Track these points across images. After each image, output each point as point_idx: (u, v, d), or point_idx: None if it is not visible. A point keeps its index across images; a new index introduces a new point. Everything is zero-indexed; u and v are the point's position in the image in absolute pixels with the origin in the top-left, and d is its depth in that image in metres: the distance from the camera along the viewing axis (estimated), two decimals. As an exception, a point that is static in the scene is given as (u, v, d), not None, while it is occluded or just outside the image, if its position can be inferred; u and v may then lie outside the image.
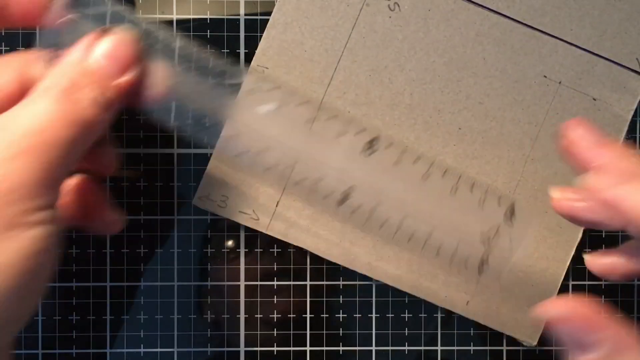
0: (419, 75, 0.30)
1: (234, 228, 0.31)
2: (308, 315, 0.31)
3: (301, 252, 0.31)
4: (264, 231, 0.30)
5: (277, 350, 0.31)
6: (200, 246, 0.31)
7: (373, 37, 0.30)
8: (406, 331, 0.31)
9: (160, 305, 0.31)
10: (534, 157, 0.30)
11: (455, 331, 0.31)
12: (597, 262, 0.23)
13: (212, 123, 0.25)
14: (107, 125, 0.23)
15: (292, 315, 0.31)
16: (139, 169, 0.30)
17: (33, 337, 0.31)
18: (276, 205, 0.30)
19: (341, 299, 0.31)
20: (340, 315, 0.31)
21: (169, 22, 0.30)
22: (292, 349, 0.31)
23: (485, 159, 0.30)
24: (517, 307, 0.30)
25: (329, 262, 0.30)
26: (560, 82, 0.30)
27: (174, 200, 0.31)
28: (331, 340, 0.31)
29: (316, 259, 0.31)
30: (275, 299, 0.31)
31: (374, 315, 0.31)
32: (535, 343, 0.30)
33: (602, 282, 0.31)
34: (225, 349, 0.31)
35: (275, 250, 0.31)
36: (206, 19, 0.31)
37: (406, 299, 0.31)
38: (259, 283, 0.31)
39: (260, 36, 0.30)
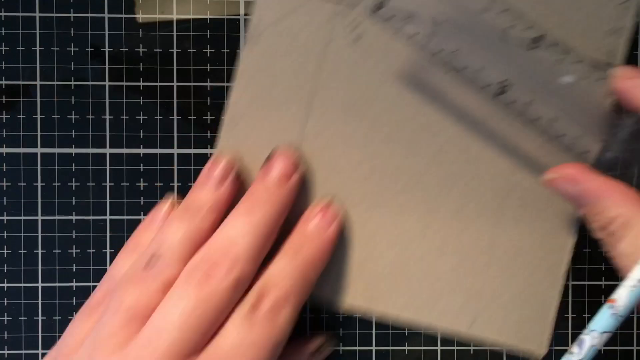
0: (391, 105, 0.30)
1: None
2: (308, 315, 0.31)
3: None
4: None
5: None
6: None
7: (341, 71, 0.29)
8: (406, 331, 0.31)
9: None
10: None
11: (455, 331, 0.31)
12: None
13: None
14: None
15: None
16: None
17: (33, 337, 0.31)
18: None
19: (341, 299, 0.31)
20: (340, 316, 0.31)
21: (169, 22, 0.30)
22: (292, 349, 0.31)
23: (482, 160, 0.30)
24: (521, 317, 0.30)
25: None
26: None
27: (174, 200, 0.31)
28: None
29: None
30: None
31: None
32: (544, 351, 0.30)
33: (602, 282, 0.31)
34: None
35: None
36: (206, 19, 0.31)
37: (406, 299, 0.31)
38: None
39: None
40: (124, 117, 0.31)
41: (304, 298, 0.26)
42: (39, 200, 0.31)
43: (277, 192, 0.27)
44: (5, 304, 0.31)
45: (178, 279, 0.25)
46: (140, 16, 0.30)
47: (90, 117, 0.31)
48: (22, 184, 0.31)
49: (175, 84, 0.31)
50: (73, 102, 0.31)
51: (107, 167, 0.31)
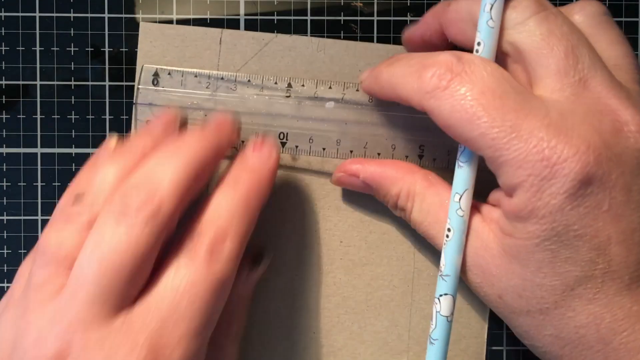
0: (285, 204, 0.30)
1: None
2: (308, 316, 0.31)
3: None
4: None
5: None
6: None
7: None
8: (406, 333, 0.31)
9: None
10: (419, 246, 0.30)
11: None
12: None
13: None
14: None
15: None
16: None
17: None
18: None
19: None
20: (340, 316, 0.31)
21: (169, 22, 0.30)
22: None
23: (375, 263, 0.30)
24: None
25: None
26: None
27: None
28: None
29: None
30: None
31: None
32: None
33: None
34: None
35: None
36: (206, 19, 0.31)
37: (406, 299, 0.31)
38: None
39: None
40: (124, 117, 0.31)
41: (248, 229, 0.25)
42: (39, 200, 0.31)
43: (209, 131, 0.26)
44: (5, 304, 0.31)
45: (99, 214, 0.23)
46: (140, 16, 0.30)
47: (90, 117, 0.31)
48: (22, 184, 0.31)
49: (175, 84, 0.31)
50: (73, 102, 0.31)
51: (107, 167, 0.31)
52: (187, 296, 0.22)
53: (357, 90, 0.29)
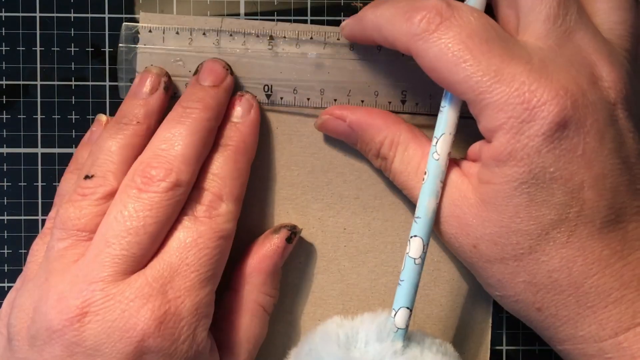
0: (288, 192, 0.30)
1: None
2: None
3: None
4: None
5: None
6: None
7: None
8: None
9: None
10: None
11: (455, 330, 0.31)
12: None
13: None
14: None
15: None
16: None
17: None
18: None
19: (341, 298, 0.31)
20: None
21: (169, 22, 0.30)
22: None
23: (379, 250, 0.30)
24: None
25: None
26: None
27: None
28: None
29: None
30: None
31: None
32: None
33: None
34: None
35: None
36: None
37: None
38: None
39: (260, 36, 0.30)
40: (124, 117, 0.30)
41: (240, 185, 0.28)
42: (39, 200, 0.31)
43: (209, 95, 0.27)
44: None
45: (120, 188, 0.26)
46: (136, 16, 0.30)
47: (90, 117, 0.31)
48: (22, 184, 0.31)
49: (175, 83, 0.31)
50: (73, 102, 0.31)
51: (108, 167, 0.31)
52: (194, 250, 0.25)
53: (338, 39, 0.29)
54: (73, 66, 0.31)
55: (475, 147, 0.25)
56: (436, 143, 0.25)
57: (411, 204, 0.30)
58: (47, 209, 0.30)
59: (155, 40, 0.29)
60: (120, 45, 0.29)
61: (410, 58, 0.25)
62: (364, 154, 0.29)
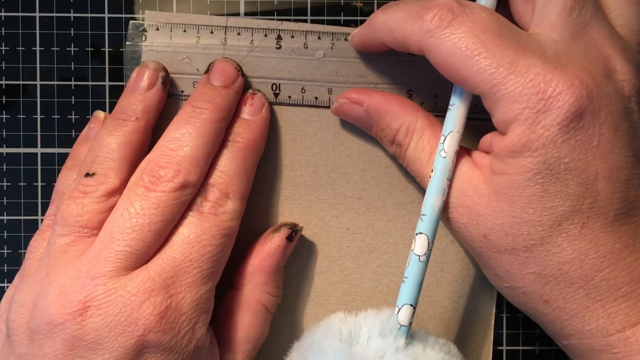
0: (292, 192, 0.30)
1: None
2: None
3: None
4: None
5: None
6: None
7: None
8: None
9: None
10: None
11: (455, 330, 0.31)
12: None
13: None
14: None
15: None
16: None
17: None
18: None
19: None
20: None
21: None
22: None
23: (382, 250, 0.30)
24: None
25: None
26: None
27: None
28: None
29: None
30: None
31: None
32: None
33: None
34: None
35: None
36: (206, 18, 0.31)
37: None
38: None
39: (260, 36, 0.30)
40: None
41: (247, 184, 0.28)
42: (39, 200, 0.31)
43: (220, 96, 0.27)
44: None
45: (127, 186, 0.26)
46: (140, 16, 0.30)
47: (90, 117, 0.31)
48: (22, 184, 0.31)
49: (175, 83, 0.31)
50: (73, 102, 0.31)
51: (107, 167, 0.31)
52: (198, 247, 0.25)
53: (346, 39, 0.29)
54: (73, 66, 0.31)
55: (486, 140, 0.25)
56: (444, 141, 0.26)
57: (415, 206, 0.30)
58: (46, 209, 0.30)
59: (162, 38, 0.29)
60: (127, 43, 0.29)
61: (416, 58, 0.25)
62: (378, 139, 0.29)
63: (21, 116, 0.31)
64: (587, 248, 0.23)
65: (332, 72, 0.29)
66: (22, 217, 0.31)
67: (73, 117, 0.31)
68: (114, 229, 0.25)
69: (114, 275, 0.24)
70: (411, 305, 0.25)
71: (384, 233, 0.30)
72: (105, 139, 0.27)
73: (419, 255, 0.25)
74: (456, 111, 0.26)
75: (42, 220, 0.31)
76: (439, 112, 0.29)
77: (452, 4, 0.24)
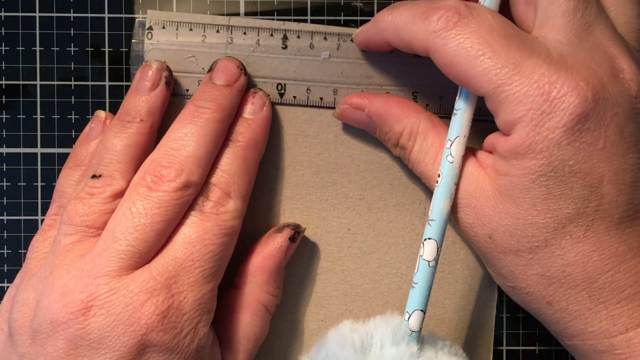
0: (293, 192, 0.30)
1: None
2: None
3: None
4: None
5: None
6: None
7: None
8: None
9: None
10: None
11: (455, 330, 0.31)
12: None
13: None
14: None
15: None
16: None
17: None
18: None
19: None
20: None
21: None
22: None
23: (382, 251, 0.30)
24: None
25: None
26: None
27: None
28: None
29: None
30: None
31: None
32: None
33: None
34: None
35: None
36: (206, 18, 0.31)
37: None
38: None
39: (261, 36, 0.30)
40: (124, 117, 0.30)
41: (248, 183, 0.28)
42: (39, 200, 0.31)
43: (222, 95, 0.27)
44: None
45: (130, 186, 0.26)
46: (140, 16, 0.30)
47: (90, 117, 0.31)
48: (22, 184, 0.31)
49: (175, 83, 0.31)
50: (73, 102, 0.31)
51: (108, 167, 0.31)
52: (200, 246, 0.25)
53: (352, 40, 0.29)
54: (72, 66, 0.31)
55: (489, 140, 0.25)
56: (450, 146, 0.25)
57: (416, 206, 0.30)
58: (46, 209, 0.30)
59: (168, 36, 0.29)
60: (132, 41, 0.29)
61: (421, 59, 0.25)
62: (382, 142, 0.29)
63: (21, 116, 0.31)
64: (590, 251, 0.23)
65: (338, 72, 0.29)
66: (22, 217, 0.31)
67: (73, 117, 0.31)
68: (116, 228, 0.25)
69: (116, 275, 0.24)
70: (422, 310, 0.25)
71: (385, 234, 0.30)
72: (111, 140, 0.27)
73: (429, 261, 0.25)
74: (462, 115, 0.26)
75: (42, 220, 0.31)
76: (443, 114, 0.29)
77: (458, 6, 0.24)
